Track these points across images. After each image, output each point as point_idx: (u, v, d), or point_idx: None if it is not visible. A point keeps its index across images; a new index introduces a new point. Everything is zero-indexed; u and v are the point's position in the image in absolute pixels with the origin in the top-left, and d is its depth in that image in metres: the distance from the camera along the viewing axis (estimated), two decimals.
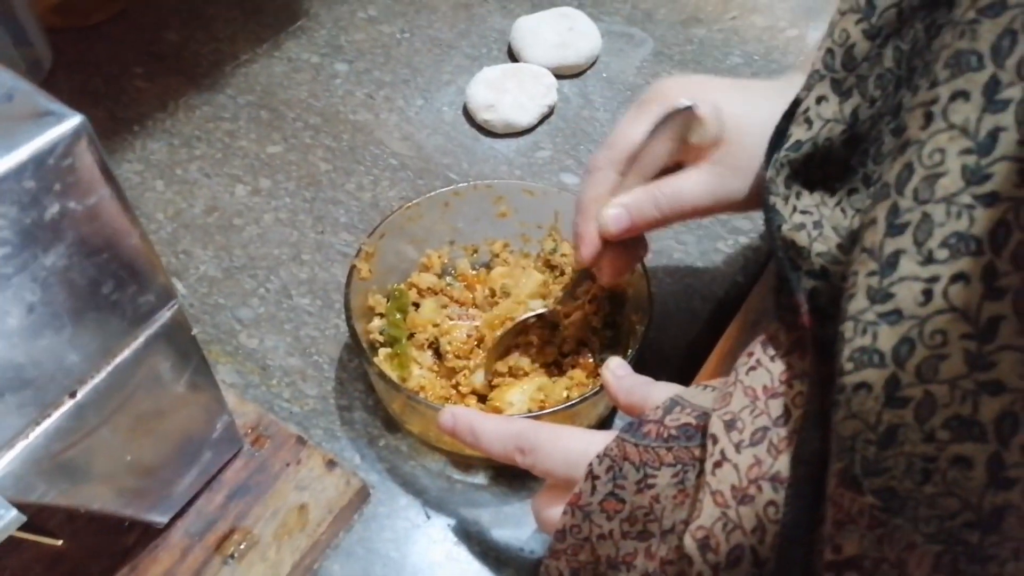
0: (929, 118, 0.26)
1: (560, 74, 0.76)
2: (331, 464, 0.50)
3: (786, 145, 0.37)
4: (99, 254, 0.33)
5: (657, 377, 0.57)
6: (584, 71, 0.78)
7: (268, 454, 0.51)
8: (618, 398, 0.44)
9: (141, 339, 0.38)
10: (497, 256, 0.62)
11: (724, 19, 0.83)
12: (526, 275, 0.60)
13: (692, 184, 0.45)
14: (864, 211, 0.31)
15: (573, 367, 0.55)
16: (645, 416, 0.38)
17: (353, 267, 0.54)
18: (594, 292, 0.56)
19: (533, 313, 0.54)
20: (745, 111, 0.44)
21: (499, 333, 0.54)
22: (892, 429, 0.27)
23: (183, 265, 0.63)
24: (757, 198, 0.43)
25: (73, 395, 0.36)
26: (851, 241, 0.35)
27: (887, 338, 0.26)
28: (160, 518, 0.46)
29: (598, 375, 0.54)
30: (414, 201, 0.58)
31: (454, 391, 0.55)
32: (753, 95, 0.45)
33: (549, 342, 0.55)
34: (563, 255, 0.60)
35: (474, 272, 0.61)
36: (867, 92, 0.36)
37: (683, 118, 0.44)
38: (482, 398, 0.54)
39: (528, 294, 0.59)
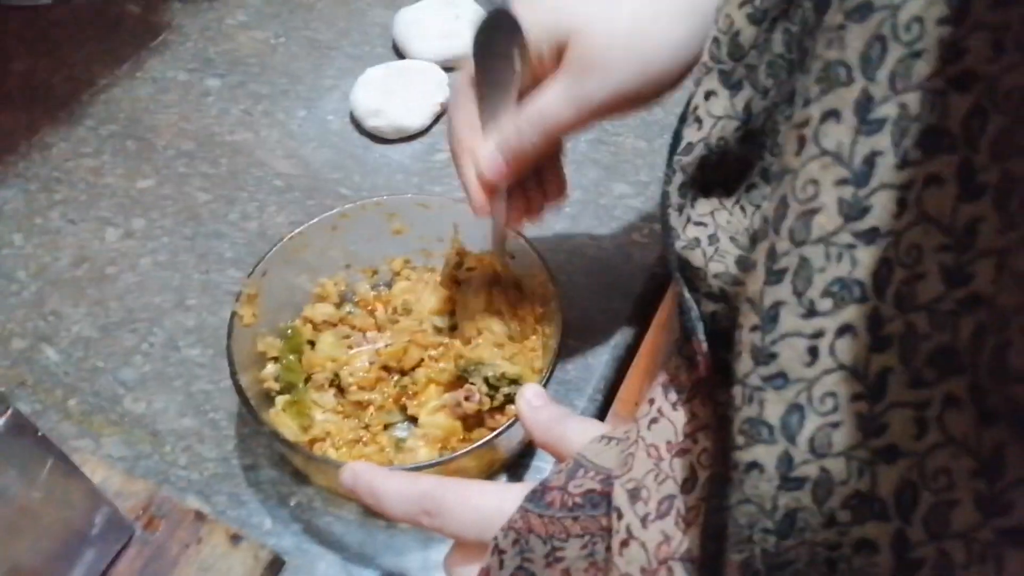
0: (802, 142, 0.23)
1: (450, 67, 0.71)
2: (236, 538, 0.46)
3: (679, 148, 0.34)
4: None
5: (581, 388, 0.54)
6: None
7: (164, 537, 0.46)
8: (534, 434, 0.40)
9: None
10: (399, 274, 0.58)
11: None
12: (428, 290, 0.56)
13: (549, 98, 0.41)
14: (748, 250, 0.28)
15: None
16: (548, 481, 0.35)
17: (234, 314, 0.49)
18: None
19: (481, 277, 0.52)
20: (585, 7, 0.40)
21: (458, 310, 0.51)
22: (790, 515, 0.23)
23: (53, 328, 0.57)
24: (624, 98, 0.40)
25: None
26: (752, 247, 0.32)
27: (774, 406, 0.23)
28: None
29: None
30: (298, 230, 0.53)
31: (364, 431, 0.51)
32: None
33: (520, 302, 0.52)
34: (469, 269, 0.56)
35: (375, 294, 0.57)
36: (758, 83, 0.33)
37: (513, 39, 0.40)
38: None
39: (431, 310, 0.55)
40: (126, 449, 0.51)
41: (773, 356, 0.23)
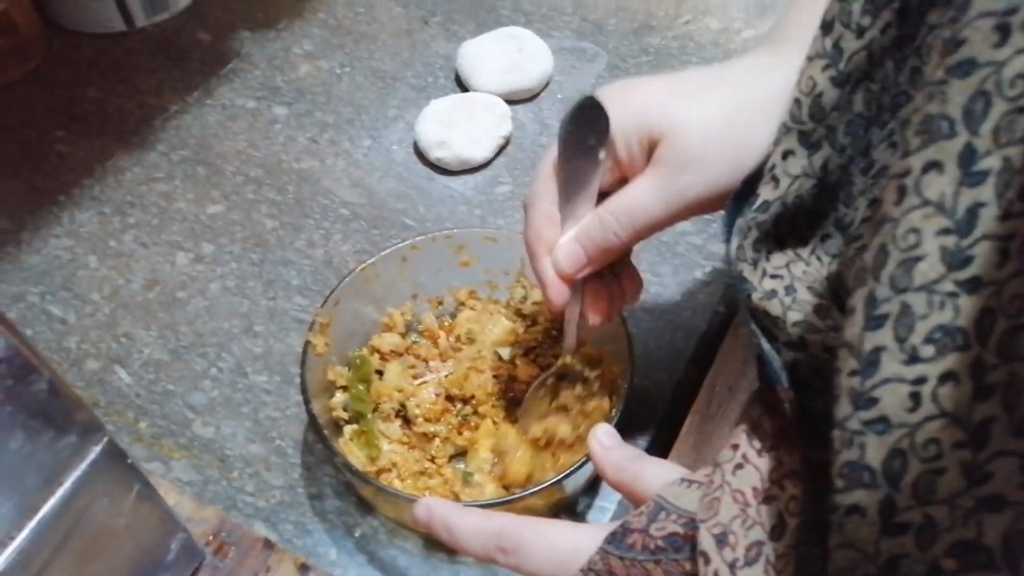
0: (903, 192, 0.23)
1: (512, 100, 0.72)
2: (304, 568, 0.46)
3: (753, 207, 0.34)
4: (0, 408, 0.29)
5: (643, 425, 0.54)
6: (538, 94, 0.74)
7: (233, 564, 0.46)
8: (606, 474, 0.40)
9: (67, 485, 0.33)
10: (463, 304, 0.58)
11: (677, 24, 0.80)
12: (493, 320, 0.56)
13: (639, 194, 0.41)
14: (851, 282, 0.28)
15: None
16: (628, 523, 0.34)
17: (307, 343, 0.50)
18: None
19: (549, 373, 0.50)
20: (677, 101, 0.40)
21: (524, 403, 0.50)
22: (893, 560, 0.24)
23: (125, 350, 0.58)
24: (717, 195, 0.39)
25: None
26: (831, 295, 0.32)
27: (876, 451, 0.23)
28: None
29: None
30: (369, 261, 0.53)
31: (429, 463, 0.51)
32: (684, 81, 0.41)
33: (587, 398, 0.50)
34: (534, 303, 0.56)
35: (439, 323, 0.57)
36: (836, 141, 0.33)
37: (599, 127, 0.40)
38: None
39: (494, 340, 0.55)
40: (195, 474, 0.52)
41: (874, 400, 0.23)
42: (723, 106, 0.38)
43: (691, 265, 0.62)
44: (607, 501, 0.51)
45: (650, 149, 0.40)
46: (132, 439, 0.53)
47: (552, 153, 0.42)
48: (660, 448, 0.54)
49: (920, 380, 0.22)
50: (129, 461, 0.37)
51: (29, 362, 0.29)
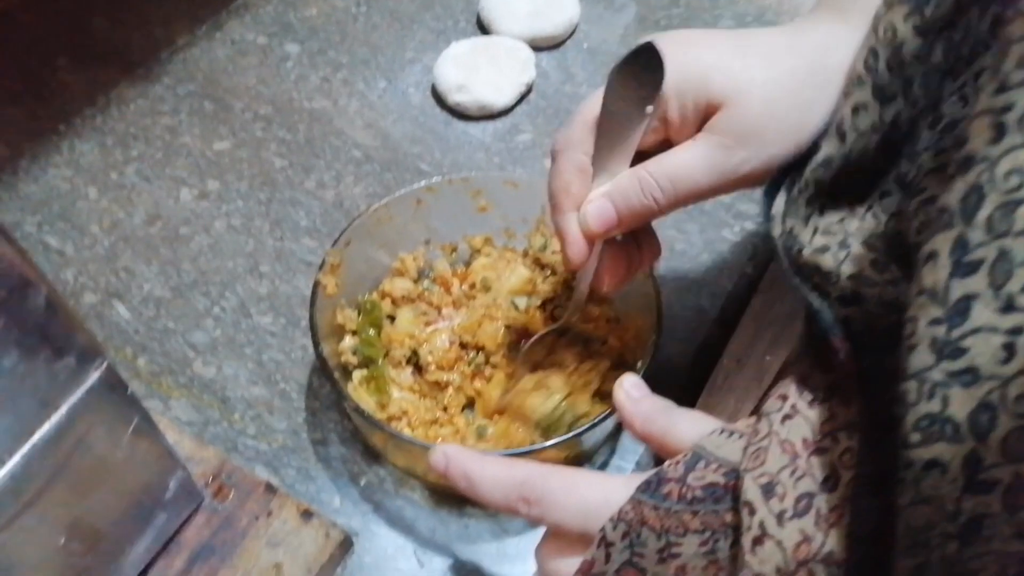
0: (1000, 130, 0.21)
1: (536, 46, 0.69)
2: (307, 514, 0.44)
3: (814, 163, 0.32)
4: None
5: (666, 387, 0.52)
6: (563, 42, 0.71)
7: (233, 507, 0.44)
8: (634, 425, 0.38)
9: (63, 410, 0.31)
10: (478, 251, 0.55)
11: None
12: (510, 268, 0.53)
13: (688, 161, 0.37)
14: (914, 235, 0.26)
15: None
16: (664, 472, 0.32)
17: (317, 283, 0.47)
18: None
19: (553, 328, 0.47)
20: (743, 66, 0.36)
21: (521, 352, 0.47)
22: (976, 520, 0.22)
23: (124, 285, 0.56)
24: (769, 170, 0.37)
25: None
26: (888, 254, 0.30)
27: (962, 404, 0.22)
28: None
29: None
30: (382, 201, 0.51)
31: (441, 412, 0.49)
32: (751, 46, 0.38)
33: (586, 359, 0.48)
34: (554, 252, 0.54)
35: (452, 271, 0.55)
36: (911, 95, 0.31)
37: (653, 79, 0.36)
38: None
39: (511, 289, 0.53)
40: (194, 414, 0.50)
41: (962, 351, 0.22)
42: (792, 79, 0.35)
43: (719, 223, 0.59)
44: (624, 460, 0.49)
45: (706, 114, 0.36)
46: (130, 375, 0.51)
47: (594, 100, 0.39)
48: None
49: (1016, 330, 0.21)
50: (129, 392, 0.34)
51: (25, 274, 0.27)
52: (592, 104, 0.39)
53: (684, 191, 0.37)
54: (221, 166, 0.62)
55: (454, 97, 0.64)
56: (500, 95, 0.64)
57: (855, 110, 0.31)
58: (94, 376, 0.32)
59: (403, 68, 0.69)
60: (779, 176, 0.36)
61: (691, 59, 0.36)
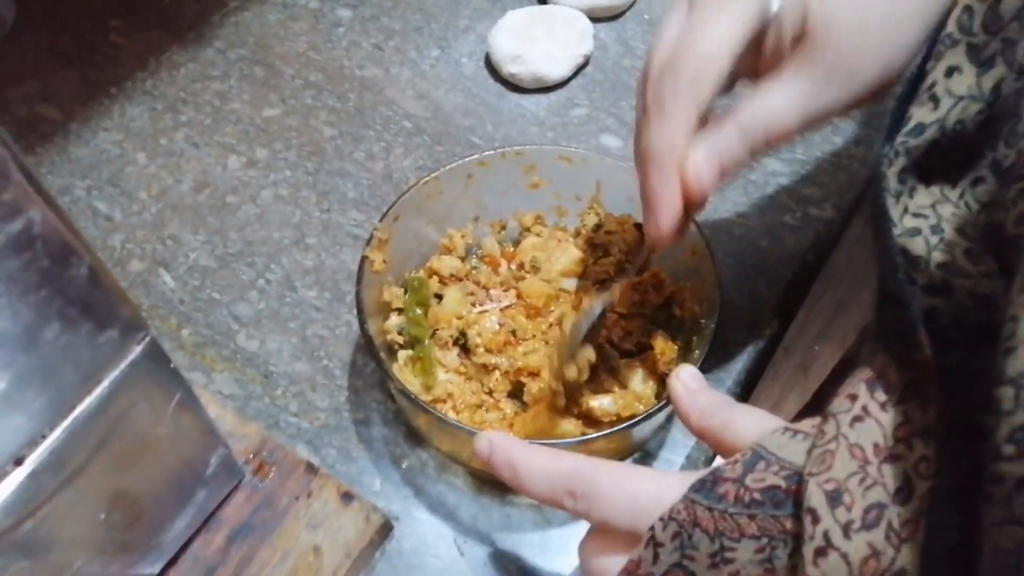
0: None
1: (595, 17, 0.66)
2: (347, 497, 0.43)
3: (905, 129, 0.29)
4: (35, 292, 0.25)
5: (719, 379, 0.50)
6: (622, 13, 0.68)
7: (274, 485, 0.43)
8: (690, 419, 0.36)
9: (105, 384, 0.30)
10: (528, 230, 0.54)
11: None
12: (561, 248, 0.51)
13: (781, 104, 0.34)
14: (1012, 227, 0.24)
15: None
16: (720, 471, 0.30)
17: (364, 259, 0.46)
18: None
19: (595, 316, 0.45)
20: None
21: (565, 341, 0.45)
22: None
23: (171, 253, 0.55)
24: (855, 106, 0.34)
25: (20, 462, 0.29)
26: (984, 244, 0.27)
27: None
28: (150, 570, 0.39)
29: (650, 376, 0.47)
30: (432, 175, 0.49)
31: (487, 396, 0.47)
32: None
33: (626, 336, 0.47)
34: (608, 232, 0.51)
35: (501, 249, 0.53)
36: (1015, 60, 0.28)
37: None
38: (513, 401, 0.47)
39: (561, 270, 0.51)
40: (237, 387, 0.49)
41: None
42: (884, 16, 0.33)
43: (780, 208, 0.57)
44: (674, 453, 0.47)
45: (797, 38, 0.34)
46: (174, 346, 0.51)
47: (719, 49, 0.33)
48: None
49: None
50: (172, 366, 0.34)
51: (69, 243, 0.26)
52: (714, 51, 0.33)
53: (776, 135, 0.35)
54: (270, 133, 0.61)
55: (509, 68, 0.62)
56: (556, 67, 0.62)
57: (948, 72, 0.29)
58: (137, 350, 0.31)
59: (456, 37, 0.67)
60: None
61: None
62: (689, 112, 0.34)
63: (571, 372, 0.44)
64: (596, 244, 0.52)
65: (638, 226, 0.50)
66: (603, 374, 0.46)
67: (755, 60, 0.36)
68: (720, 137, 0.35)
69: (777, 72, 0.35)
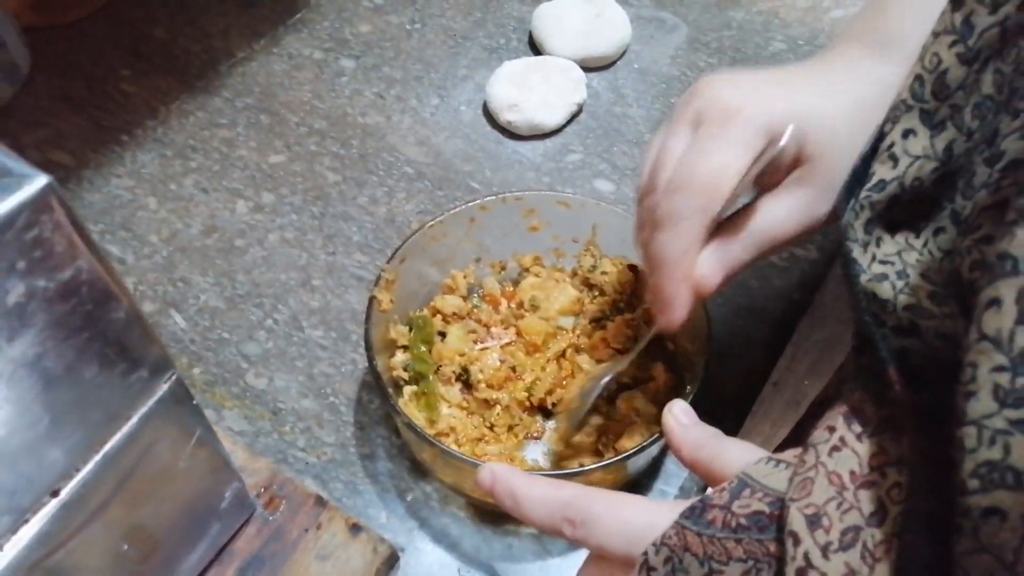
0: None
1: (588, 66, 0.70)
2: (355, 528, 0.44)
3: (868, 184, 0.32)
4: (78, 335, 0.27)
5: (711, 413, 0.52)
6: (614, 62, 0.71)
7: (284, 518, 0.45)
8: (681, 452, 0.38)
9: (134, 420, 0.32)
10: (527, 271, 0.56)
11: (762, 0, 0.76)
12: (559, 288, 0.54)
13: (781, 217, 0.39)
14: (967, 273, 0.26)
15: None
16: (708, 498, 0.32)
17: (373, 299, 0.48)
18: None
19: (603, 384, 0.47)
20: (832, 121, 0.38)
21: (572, 406, 0.48)
22: None
23: (181, 295, 0.57)
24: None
25: (56, 494, 0.30)
26: (946, 288, 0.29)
27: None
28: None
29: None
30: (437, 219, 0.52)
31: (488, 430, 0.49)
32: (831, 96, 0.39)
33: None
34: (603, 273, 0.54)
35: (501, 289, 0.55)
36: (963, 124, 0.31)
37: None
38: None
39: (559, 309, 0.53)
40: (246, 424, 0.51)
41: None
42: (865, 132, 0.36)
43: None
44: (668, 485, 0.49)
45: (796, 162, 0.38)
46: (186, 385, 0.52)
47: (726, 172, 0.37)
48: None
49: None
50: (195, 403, 0.35)
51: (110, 288, 0.28)
52: (721, 173, 0.37)
53: (777, 246, 0.39)
54: (276, 179, 0.64)
55: (506, 116, 0.65)
56: (551, 114, 0.65)
57: (904, 134, 0.31)
58: (163, 388, 0.33)
59: (455, 85, 0.70)
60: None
61: (797, 107, 0.38)
62: (701, 225, 0.38)
63: (578, 438, 0.47)
64: (592, 284, 0.54)
65: (632, 267, 0.53)
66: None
67: (753, 180, 0.39)
68: (727, 248, 0.39)
69: (779, 189, 0.39)
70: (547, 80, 0.66)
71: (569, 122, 0.67)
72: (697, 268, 0.39)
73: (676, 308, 0.40)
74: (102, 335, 0.28)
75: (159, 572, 0.39)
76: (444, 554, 0.46)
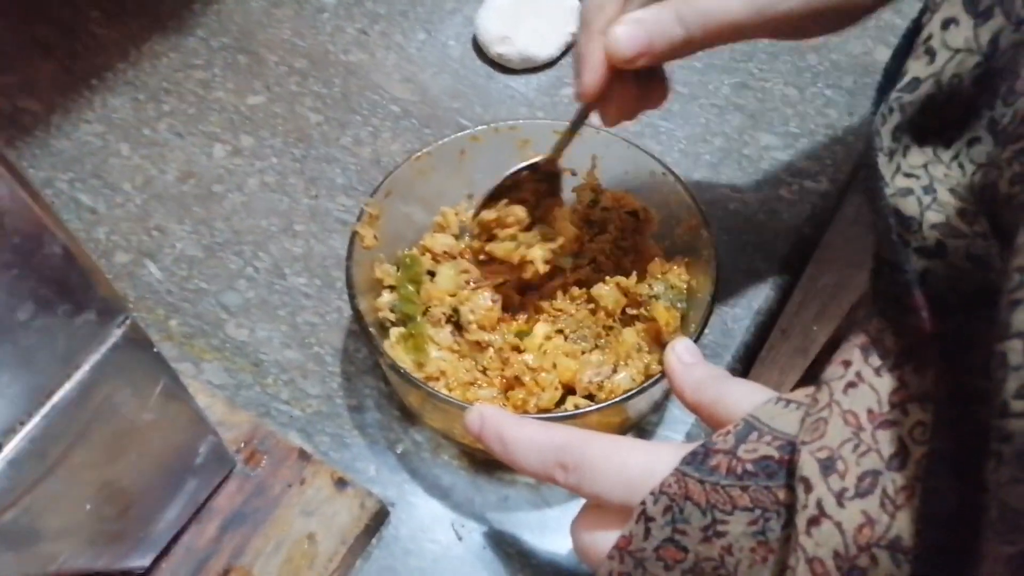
0: None
1: None
2: (341, 483, 0.42)
3: (900, 84, 0.28)
4: (6, 271, 0.25)
5: (719, 354, 0.49)
6: None
7: (266, 473, 0.43)
8: (684, 393, 0.35)
9: (85, 368, 0.29)
10: None
11: None
12: (556, 227, 0.51)
13: None
14: (1007, 186, 0.23)
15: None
16: (712, 443, 0.29)
17: (355, 233, 0.45)
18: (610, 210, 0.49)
19: (526, 164, 0.46)
20: None
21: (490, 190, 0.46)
22: None
23: (157, 244, 0.54)
24: (816, 12, 0.35)
25: None
26: (977, 205, 0.26)
27: None
28: (140, 562, 0.39)
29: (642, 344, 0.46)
30: (424, 151, 0.48)
31: (480, 374, 0.47)
32: None
33: (547, 195, 0.48)
34: (604, 209, 0.51)
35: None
36: (1012, 11, 0.27)
37: None
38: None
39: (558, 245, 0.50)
40: (227, 377, 0.48)
41: None
42: None
43: (775, 182, 0.56)
44: (673, 431, 0.47)
45: None
46: (162, 337, 0.50)
47: None
48: None
49: None
50: (155, 350, 0.33)
51: (39, 219, 0.25)
52: None
53: (720, 27, 0.36)
54: (255, 121, 0.60)
55: (496, 49, 0.61)
56: (545, 46, 0.61)
57: (945, 24, 0.28)
58: (117, 333, 0.30)
59: (443, 19, 0.66)
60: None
61: None
62: None
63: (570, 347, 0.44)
64: (591, 221, 0.51)
65: (631, 213, 0.50)
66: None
67: None
68: (653, 12, 0.36)
69: None
70: (538, 11, 0.62)
71: (563, 54, 0.63)
72: (613, 28, 0.36)
73: (587, 68, 0.37)
74: (34, 272, 0.25)
75: (134, 530, 0.37)
76: (437, 506, 0.44)
